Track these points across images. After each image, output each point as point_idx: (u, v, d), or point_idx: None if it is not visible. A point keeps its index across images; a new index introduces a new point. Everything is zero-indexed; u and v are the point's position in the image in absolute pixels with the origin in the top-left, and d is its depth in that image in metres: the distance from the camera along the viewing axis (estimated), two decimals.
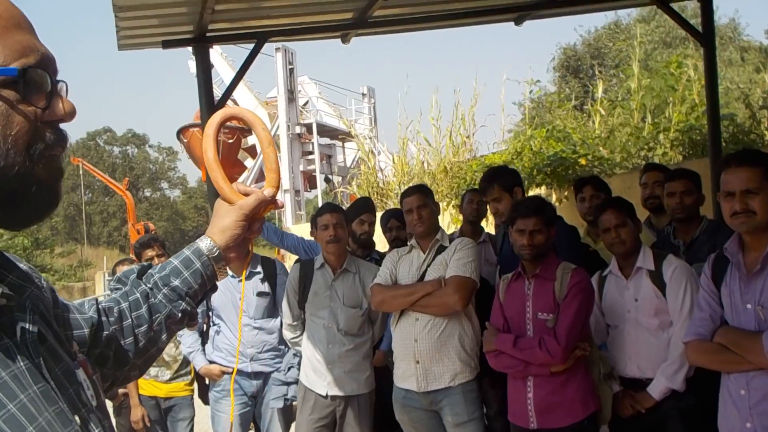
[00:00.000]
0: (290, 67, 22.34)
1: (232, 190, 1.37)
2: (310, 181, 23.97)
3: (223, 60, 22.34)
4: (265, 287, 4.24)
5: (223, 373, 4.12)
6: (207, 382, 4.57)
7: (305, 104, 24.80)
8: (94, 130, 53.52)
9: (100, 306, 1.33)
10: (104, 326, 1.30)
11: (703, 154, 7.82)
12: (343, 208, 4.28)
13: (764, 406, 2.35)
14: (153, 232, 16.16)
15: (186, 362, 4.41)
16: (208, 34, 5.15)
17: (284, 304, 4.00)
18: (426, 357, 3.44)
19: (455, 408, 3.44)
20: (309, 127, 23.04)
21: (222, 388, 4.15)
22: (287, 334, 4.02)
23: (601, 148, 9.29)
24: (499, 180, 3.94)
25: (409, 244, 3.73)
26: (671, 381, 3.00)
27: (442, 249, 3.57)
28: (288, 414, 4.29)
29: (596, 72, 15.60)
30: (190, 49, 5.50)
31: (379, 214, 5.17)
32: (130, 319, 1.34)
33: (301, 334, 3.96)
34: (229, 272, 4.14)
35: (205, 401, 4.59)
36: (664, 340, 3.07)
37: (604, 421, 3.14)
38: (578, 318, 3.02)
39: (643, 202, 4.34)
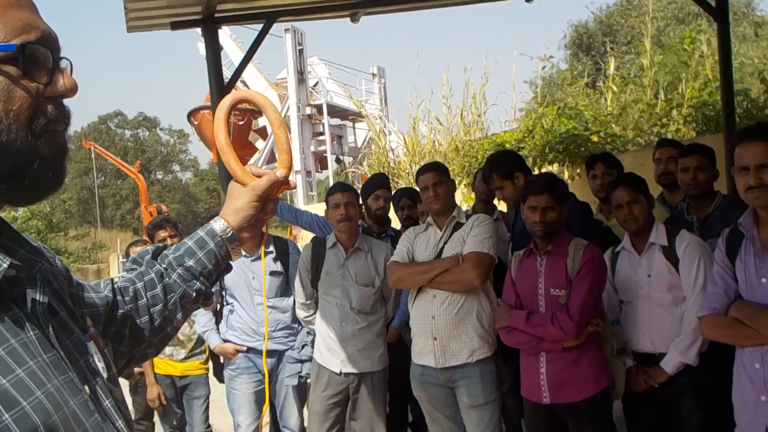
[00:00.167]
0: (300, 47, 22.27)
1: (244, 171, 1.38)
2: (321, 162, 23.96)
3: (233, 42, 22.29)
4: (278, 267, 4.26)
5: (237, 351, 4.15)
6: (222, 360, 4.62)
7: (315, 85, 24.73)
8: (105, 114, 53.74)
9: (115, 286, 1.35)
10: (120, 305, 1.32)
11: (717, 129, 7.75)
12: (355, 188, 4.27)
13: None
14: (165, 214, 16.26)
15: (200, 341, 4.45)
16: (216, 15, 5.13)
17: (297, 283, 4.02)
18: (443, 333, 3.44)
19: (472, 390, 3.44)
20: (319, 107, 23.00)
21: (236, 366, 4.19)
22: (300, 313, 4.04)
23: (613, 125, 9.23)
24: (496, 168, 3.93)
25: (425, 221, 3.71)
26: (684, 356, 3.00)
27: (458, 226, 3.56)
28: (302, 391, 4.33)
29: (608, 49, 15.46)
30: (199, 30, 5.48)
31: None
32: (145, 299, 1.36)
33: (314, 313, 3.98)
34: (242, 252, 4.18)
35: (220, 380, 4.64)
36: (678, 316, 3.06)
37: (617, 396, 3.15)
38: (591, 294, 3.01)
39: (656, 178, 4.31)
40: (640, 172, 3.71)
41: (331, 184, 7.46)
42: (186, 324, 4.43)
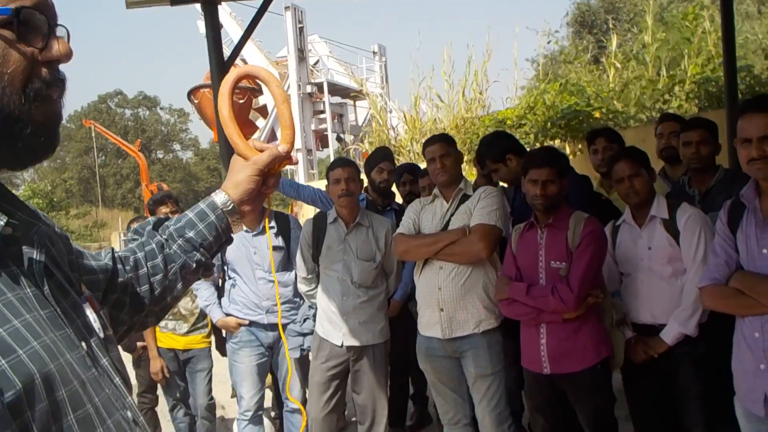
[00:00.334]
0: (300, 25, 22.15)
1: (246, 145, 1.39)
2: (322, 140, 23.93)
3: (233, 20, 22.16)
4: (279, 241, 4.27)
5: (239, 325, 4.18)
6: (224, 334, 4.65)
7: (316, 63, 24.63)
8: (105, 93, 53.56)
9: (116, 255, 1.37)
10: (120, 273, 1.34)
11: (720, 106, 7.74)
12: (357, 165, 4.27)
13: None
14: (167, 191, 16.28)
15: (203, 315, 4.47)
16: None
17: (298, 258, 4.03)
18: (450, 305, 3.45)
19: (479, 360, 3.45)
20: (320, 86, 22.92)
21: (239, 340, 4.21)
22: (302, 287, 4.06)
23: (615, 102, 9.21)
24: (488, 154, 3.92)
25: (432, 194, 3.72)
26: (684, 327, 3.02)
27: (465, 198, 3.56)
28: (304, 364, 4.36)
29: (610, 26, 15.35)
30: (198, 8, 5.44)
31: None
32: (145, 268, 1.38)
33: (316, 287, 4.00)
34: (244, 227, 4.19)
35: (223, 353, 4.67)
36: (678, 287, 3.08)
37: (616, 367, 3.17)
38: (591, 266, 3.03)
39: (658, 152, 4.31)
40: (642, 148, 3.71)
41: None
42: (188, 298, 4.46)
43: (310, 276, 3.99)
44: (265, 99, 22.03)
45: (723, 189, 3.50)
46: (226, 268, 4.30)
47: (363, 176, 4.26)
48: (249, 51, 21.94)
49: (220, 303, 4.28)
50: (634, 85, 9.52)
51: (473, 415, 3.68)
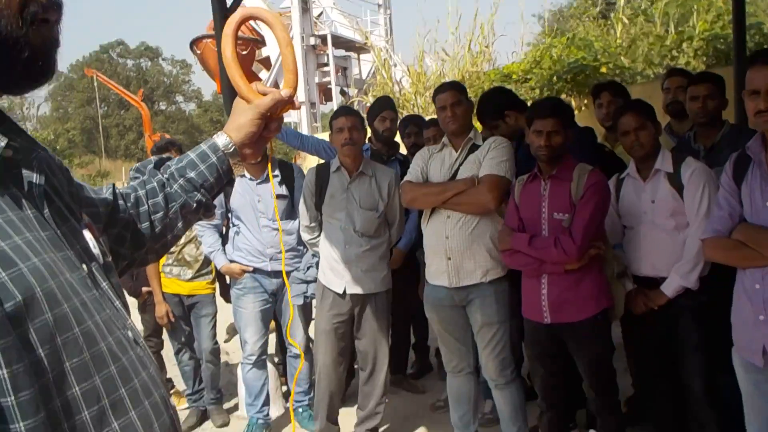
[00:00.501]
0: None
1: (249, 88, 1.38)
2: (326, 93, 23.73)
3: None
4: (283, 190, 4.28)
5: (243, 271, 4.22)
6: (228, 281, 4.70)
7: (319, 15, 24.26)
8: (106, 43, 52.97)
9: (117, 191, 1.38)
10: (121, 209, 1.36)
11: (728, 63, 7.65)
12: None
13: None
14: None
15: (207, 262, 4.51)
16: None
17: (301, 206, 4.03)
18: (457, 253, 3.47)
19: (486, 309, 3.48)
20: (323, 38, 22.63)
21: (243, 286, 4.26)
22: (305, 236, 4.08)
23: (622, 57, 9.11)
24: (486, 111, 3.89)
25: (441, 142, 3.69)
26: (685, 279, 3.04)
27: (474, 148, 3.54)
28: (307, 311, 4.42)
29: None
30: None
31: None
32: (146, 206, 1.40)
33: (318, 236, 4.01)
34: (247, 175, 4.20)
35: (227, 299, 4.73)
36: (680, 241, 3.09)
37: (615, 317, 3.21)
38: (594, 217, 3.04)
39: (664, 107, 4.29)
40: None
41: None
42: (193, 245, 4.49)
43: (312, 224, 4.01)
44: (269, 51, 21.78)
45: (728, 144, 3.49)
46: (230, 215, 4.32)
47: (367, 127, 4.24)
48: (251, 1, 21.61)
49: (224, 250, 4.31)
50: (642, 41, 9.41)
51: (476, 364, 3.75)
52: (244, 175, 4.20)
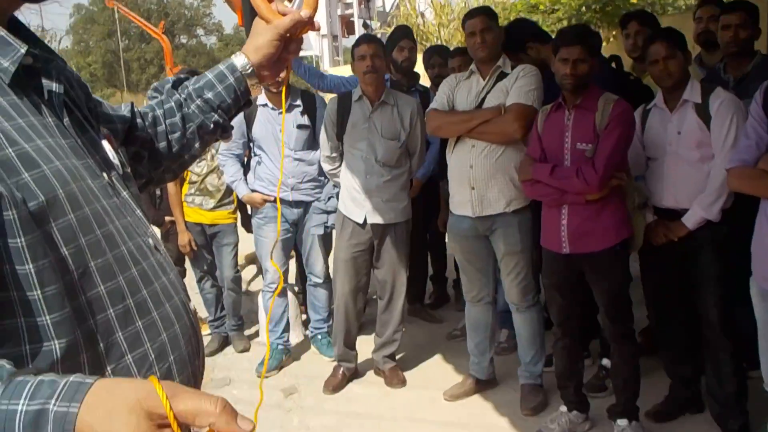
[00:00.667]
0: None
1: (269, 8, 1.35)
2: (348, 26, 23.36)
3: None
4: (305, 120, 4.26)
5: (265, 201, 4.25)
6: (249, 211, 4.74)
7: None
8: None
9: (135, 109, 1.39)
10: (139, 127, 1.36)
11: None
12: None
13: None
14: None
15: (229, 192, 4.54)
16: None
17: (322, 136, 4.02)
18: (481, 183, 3.46)
19: (509, 238, 3.50)
20: None
21: (264, 215, 4.29)
22: (326, 166, 4.07)
23: None
24: (507, 46, 3.78)
25: (468, 69, 3.63)
26: (707, 211, 3.02)
27: (503, 76, 3.48)
28: (327, 241, 4.46)
29: None
30: None
31: (419, 57, 5.09)
32: (164, 125, 1.40)
33: (339, 166, 4.01)
34: (270, 104, 4.18)
35: (248, 230, 4.79)
36: (704, 173, 3.05)
37: (635, 248, 3.20)
38: (617, 148, 3.00)
39: (695, 37, 4.19)
40: None
41: None
42: (215, 175, 4.52)
43: (333, 155, 4.00)
44: None
45: (759, 75, 3.41)
46: (252, 145, 4.33)
47: None
48: None
49: (245, 179, 4.33)
50: None
51: (495, 294, 3.79)
52: (266, 105, 4.19)
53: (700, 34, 4.15)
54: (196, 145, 1.45)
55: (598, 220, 3.06)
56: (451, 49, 5.45)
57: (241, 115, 4.35)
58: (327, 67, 19.88)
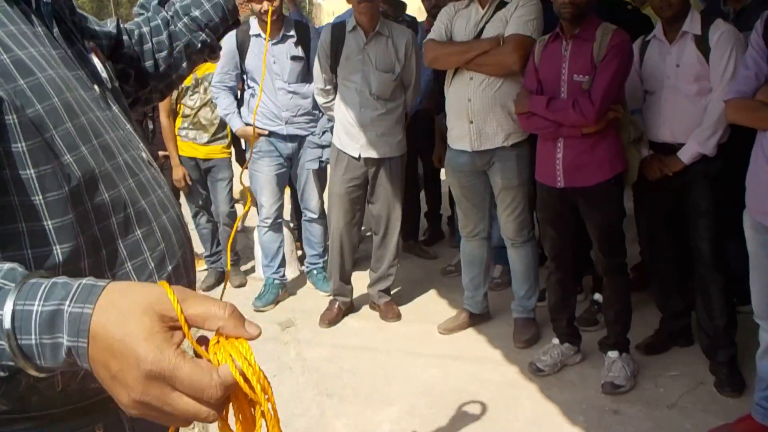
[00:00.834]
0: None
1: None
2: None
3: None
4: (299, 51, 4.17)
5: (259, 135, 4.20)
6: (243, 146, 4.70)
7: None
8: None
9: (121, 26, 1.36)
10: (125, 44, 1.34)
11: None
12: None
13: None
14: None
15: (222, 126, 4.49)
16: None
17: (316, 68, 3.94)
18: (479, 116, 3.42)
19: (507, 172, 3.49)
20: None
21: (258, 150, 4.24)
22: (319, 99, 4.01)
23: None
24: None
25: None
26: (703, 146, 3.00)
27: (502, 5, 3.40)
28: (322, 175, 4.44)
29: None
30: None
31: None
32: (150, 44, 1.38)
33: (333, 99, 3.96)
34: (263, 35, 4.09)
35: (242, 164, 4.75)
36: (701, 107, 3.02)
37: (629, 182, 3.19)
38: (615, 80, 2.96)
39: None
40: None
41: None
42: (207, 108, 4.46)
43: (327, 87, 3.94)
44: None
45: (759, 7, 3.34)
46: (245, 77, 4.25)
47: None
48: None
49: (239, 113, 4.27)
50: None
51: (489, 230, 3.80)
52: (260, 35, 4.10)
53: None
54: (184, 64, 1.43)
55: (593, 154, 3.05)
56: None
57: (234, 46, 4.27)
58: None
